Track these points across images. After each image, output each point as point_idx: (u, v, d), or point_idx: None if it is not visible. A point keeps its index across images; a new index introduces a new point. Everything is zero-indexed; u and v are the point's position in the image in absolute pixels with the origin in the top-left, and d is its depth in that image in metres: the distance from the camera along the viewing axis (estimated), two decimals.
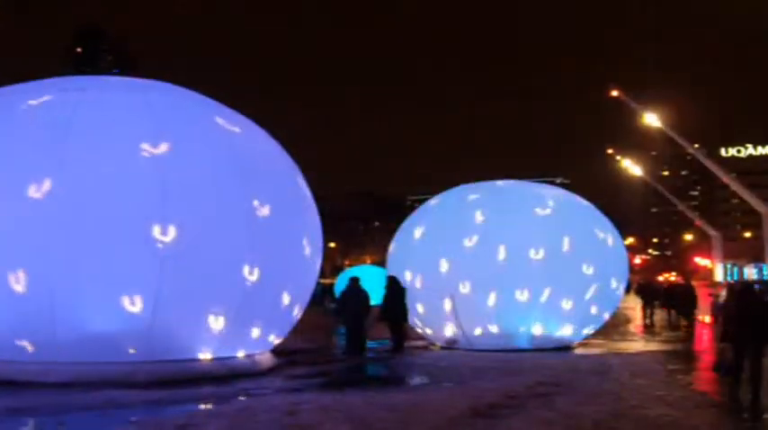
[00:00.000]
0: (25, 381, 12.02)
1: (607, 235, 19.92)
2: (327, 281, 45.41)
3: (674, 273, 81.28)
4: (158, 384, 12.06)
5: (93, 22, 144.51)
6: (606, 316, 20.25)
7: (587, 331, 19.92)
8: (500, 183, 21.25)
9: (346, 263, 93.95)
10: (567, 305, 18.45)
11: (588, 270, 18.68)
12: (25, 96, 13.77)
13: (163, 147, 12.97)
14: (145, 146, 12.86)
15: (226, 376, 13.14)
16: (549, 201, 19.54)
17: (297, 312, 15.11)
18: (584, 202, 20.87)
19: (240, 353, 13.96)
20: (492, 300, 18.26)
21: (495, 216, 18.91)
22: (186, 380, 12.49)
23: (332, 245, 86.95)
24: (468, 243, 18.58)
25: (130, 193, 12.51)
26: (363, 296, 18.15)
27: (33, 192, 12.33)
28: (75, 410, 10.36)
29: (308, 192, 15.63)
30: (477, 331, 18.64)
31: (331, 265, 78.02)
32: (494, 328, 18.50)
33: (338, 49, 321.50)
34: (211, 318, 13.03)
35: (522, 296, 18.16)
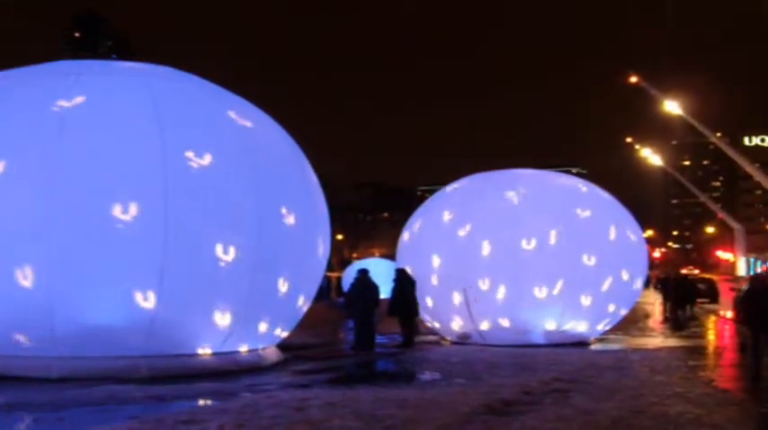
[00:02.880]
0: (25, 377, 11.79)
1: (629, 229, 19.59)
2: (335, 274, 45.17)
3: (687, 268, 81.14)
4: (161, 379, 11.83)
5: (92, 8, 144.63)
6: (624, 311, 19.90)
7: (604, 327, 19.58)
8: (525, 171, 20.83)
9: (354, 255, 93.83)
10: (584, 300, 18.12)
11: (606, 264, 18.32)
12: (22, 83, 13.45)
13: (169, 138, 12.65)
14: (150, 137, 12.56)
15: (230, 371, 12.92)
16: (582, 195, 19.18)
17: (303, 305, 14.81)
18: (607, 195, 20.47)
19: (245, 348, 13.68)
20: (506, 294, 17.93)
21: (519, 206, 18.59)
22: (189, 375, 12.26)
23: (339, 237, 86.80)
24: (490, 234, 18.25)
25: (134, 186, 12.21)
26: (372, 289, 17.83)
27: (33, 184, 12.05)
28: (76, 406, 10.11)
29: (316, 182, 15.34)
30: (491, 326, 18.31)
31: (338, 258, 77.78)
32: (507, 323, 18.16)
33: (339, 44, 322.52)
34: (216, 313, 12.76)
35: (538, 291, 17.82)
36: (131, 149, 12.46)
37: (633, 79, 42.83)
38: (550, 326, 18.15)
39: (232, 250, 12.66)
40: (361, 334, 17.54)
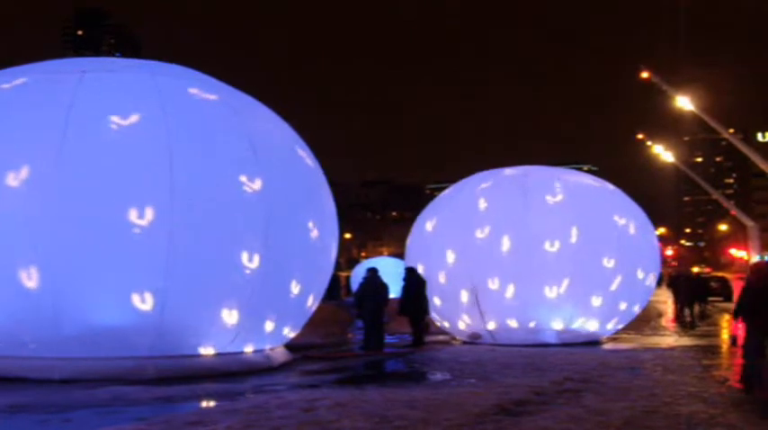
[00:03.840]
0: (31, 378, 11.70)
1: (633, 223, 19.25)
2: (344, 273, 45.11)
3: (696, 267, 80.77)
4: (168, 380, 11.72)
5: (94, 6, 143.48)
6: (636, 309, 19.64)
7: (616, 326, 19.33)
8: (515, 170, 20.41)
9: (363, 254, 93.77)
10: (594, 299, 17.90)
11: (610, 262, 18.03)
12: (23, 81, 13.37)
13: (170, 135, 12.54)
14: (151, 134, 12.47)
15: (238, 372, 12.82)
16: (561, 189, 18.71)
17: (311, 304, 14.66)
18: (610, 188, 20.18)
19: (252, 348, 13.55)
20: (515, 293, 17.76)
21: (513, 206, 18.39)
22: (197, 376, 12.16)
23: (347, 236, 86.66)
24: (480, 234, 18.12)
25: (136, 185, 12.11)
26: (382, 288, 17.71)
27: (37, 183, 11.94)
28: (82, 407, 10.00)
29: (320, 173, 15.20)
30: (503, 326, 18.16)
31: (347, 257, 77.67)
32: (517, 323, 17.99)
33: (340, 43, 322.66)
34: (222, 312, 12.64)
35: (548, 290, 17.63)
36: (136, 149, 12.34)
37: (645, 75, 42.41)
38: (562, 325, 17.97)
39: (235, 248, 12.57)
40: (370, 333, 17.43)
